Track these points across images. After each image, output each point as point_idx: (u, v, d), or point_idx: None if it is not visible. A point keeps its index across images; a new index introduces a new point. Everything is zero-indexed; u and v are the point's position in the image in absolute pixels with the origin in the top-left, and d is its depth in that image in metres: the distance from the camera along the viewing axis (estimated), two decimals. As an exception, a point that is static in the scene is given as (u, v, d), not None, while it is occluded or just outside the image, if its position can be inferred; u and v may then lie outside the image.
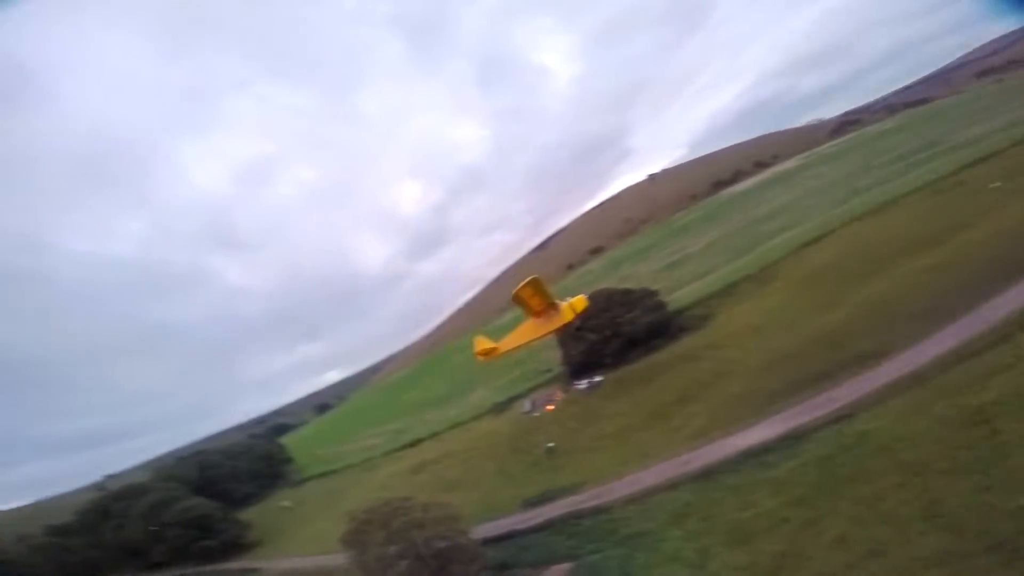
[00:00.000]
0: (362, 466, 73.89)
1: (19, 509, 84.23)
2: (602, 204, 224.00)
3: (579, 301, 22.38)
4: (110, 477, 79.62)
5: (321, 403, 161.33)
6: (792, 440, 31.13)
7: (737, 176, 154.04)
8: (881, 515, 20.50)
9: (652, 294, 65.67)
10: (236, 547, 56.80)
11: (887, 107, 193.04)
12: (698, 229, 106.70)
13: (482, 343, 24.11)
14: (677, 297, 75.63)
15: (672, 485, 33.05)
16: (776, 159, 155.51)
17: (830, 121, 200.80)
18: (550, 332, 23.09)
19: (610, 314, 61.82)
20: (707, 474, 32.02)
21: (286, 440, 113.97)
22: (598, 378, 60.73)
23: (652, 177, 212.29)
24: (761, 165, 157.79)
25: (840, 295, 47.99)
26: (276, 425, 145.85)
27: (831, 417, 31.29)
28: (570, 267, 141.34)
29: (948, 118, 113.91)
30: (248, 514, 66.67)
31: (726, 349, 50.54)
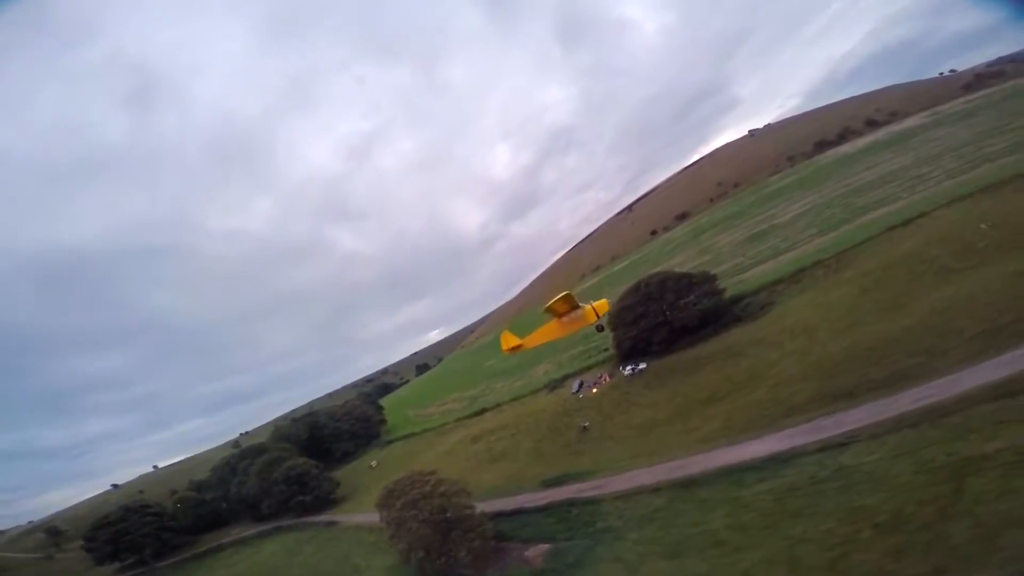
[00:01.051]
0: (437, 430, 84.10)
1: (177, 464, 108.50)
2: (697, 163, 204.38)
3: (601, 305, 25.64)
4: (244, 434, 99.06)
5: (422, 363, 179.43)
6: (777, 462, 30.89)
7: (844, 135, 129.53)
8: (791, 559, 20.98)
9: (710, 279, 62.84)
10: (326, 502, 67.75)
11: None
12: (790, 196, 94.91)
13: (508, 339, 27.74)
14: (746, 278, 71.29)
15: (656, 488, 34.97)
16: (894, 117, 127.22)
17: (966, 72, 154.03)
18: (572, 332, 26.16)
19: (663, 301, 61.17)
20: (687, 484, 33.35)
21: (388, 399, 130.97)
22: (643, 365, 61.59)
23: (752, 133, 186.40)
24: (874, 124, 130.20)
25: (907, 297, 42.62)
26: (382, 384, 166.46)
27: (825, 443, 30.25)
28: (654, 233, 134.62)
29: None
30: (343, 471, 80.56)
31: (770, 348, 48.20)
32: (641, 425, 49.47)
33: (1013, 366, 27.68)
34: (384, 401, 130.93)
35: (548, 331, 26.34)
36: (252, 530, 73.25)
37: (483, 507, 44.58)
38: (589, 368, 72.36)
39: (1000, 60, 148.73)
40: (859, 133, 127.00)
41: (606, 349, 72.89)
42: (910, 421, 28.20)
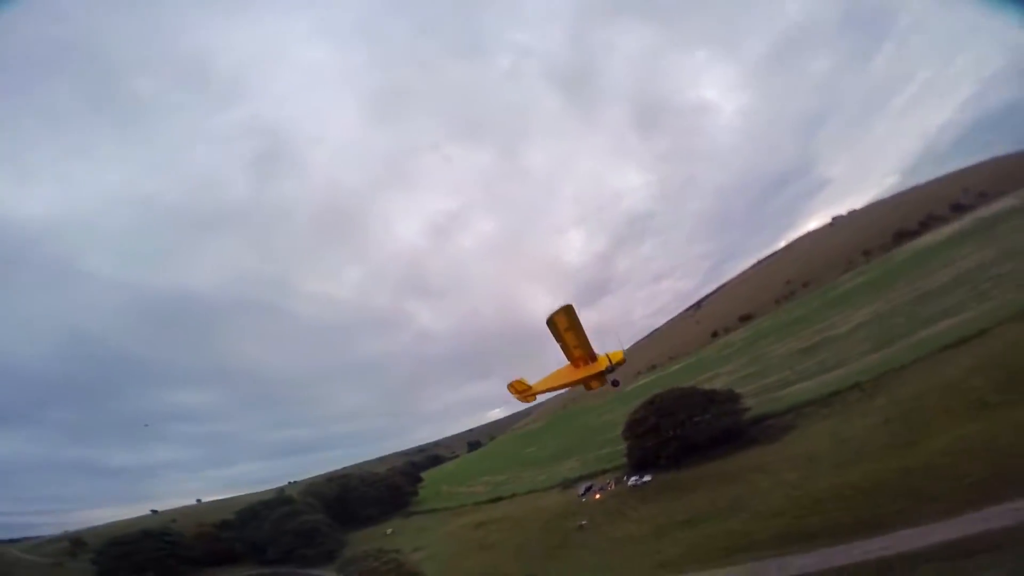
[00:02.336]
0: (454, 511, 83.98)
1: (221, 501, 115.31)
2: (773, 256, 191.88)
3: (616, 354, 24.05)
4: (292, 483, 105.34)
5: (474, 440, 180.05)
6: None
7: (927, 223, 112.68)
8: None
9: (733, 398, 60.33)
10: (330, 558, 69.18)
11: None
12: (856, 301, 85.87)
13: (519, 384, 25.82)
14: (783, 395, 65.92)
15: None
16: (984, 199, 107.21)
17: None
18: (584, 379, 24.19)
19: (678, 416, 59.45)
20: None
21: (432, 472, 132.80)
22: (647, 477, 58.98)
23: (834, 221, 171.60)
24: (959, 208, 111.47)
25: (926, 433, 37.16)
26: (433, 455, 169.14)
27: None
28: (714, 335, 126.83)
29: None
30: (362, 533, 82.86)
31: (766, 476, 44.07)
32: (619, 539, 46.72)
33: (995, 521, 24.12)
34: (429, 473, 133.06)
35: (558, 376, 24.63)
36: (253, 571, 77.02)
37: None
38: (605, 472, 69.61)
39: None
40: (944, 220, 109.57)
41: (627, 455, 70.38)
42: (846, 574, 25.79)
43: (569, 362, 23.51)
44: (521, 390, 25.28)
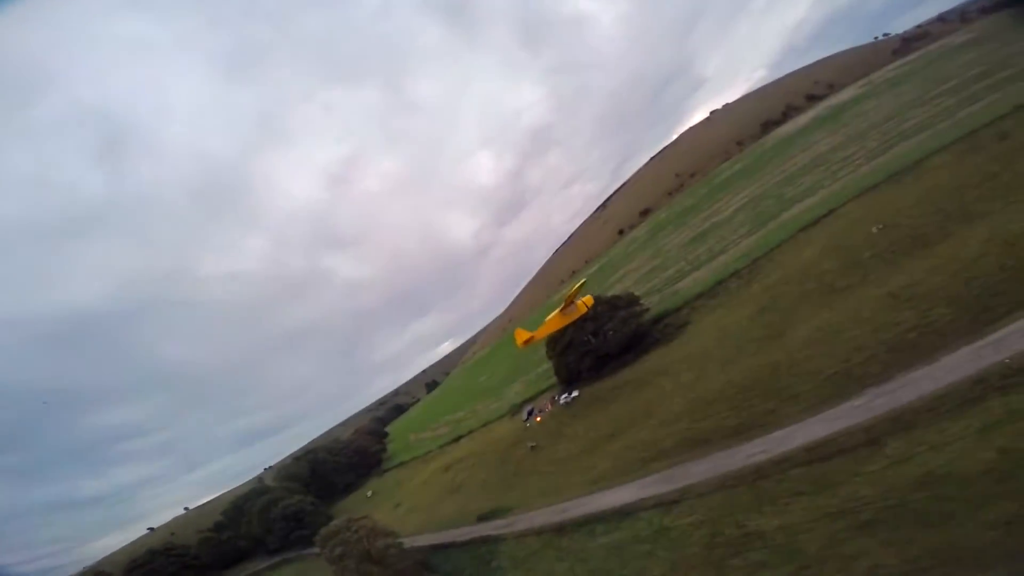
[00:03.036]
0: (424, 458, 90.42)
1: (207, 504, 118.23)
2: (662, 152, 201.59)
3: (589, 299, 35.56)
4: (268, 469, 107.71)
5: (431, 380, 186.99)
6: (621, 515, 34.69)
7: (787, 113, 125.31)
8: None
9: (634, 302, 65.78)
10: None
11: (961, 14, 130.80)
12: (735, 186, 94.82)
13: (521, 334, 34.95)
14: (681, 288, 73.58)
15: (540, 531, 39.33)
16: (831, 89, 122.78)
17: (896, 37, 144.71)
18: (570, 323, 36.52)
19: (586, 328, 64.55)
20: (559, 529, 37.70)
21: (397, 423, 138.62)
22: (575, 393, 64.62)
23: (711, 115, 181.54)
24: (813, 98, 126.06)
25: (789, 323, 43.88)
26: (395, 406, 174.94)
27: (660, 500, 33.43)
28: (621, 232, 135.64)
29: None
30: (345, 502, 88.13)
31: (668, 378, 50.69)
32: (560, 459, 53.21)
33: (839, 422, 28.78)
34: (395, 424, 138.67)
35: (552, 323, 34.25)
36: (264, 563, 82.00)
37: (431, 539, 51.87)
38: (544, 392, 76.49)
39: (929, 21, 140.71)
40: (801, 109, 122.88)
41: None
42: (732, 481, 30.64)
43: (559, 312, 33.89)
44: (525, 340, 34.21)
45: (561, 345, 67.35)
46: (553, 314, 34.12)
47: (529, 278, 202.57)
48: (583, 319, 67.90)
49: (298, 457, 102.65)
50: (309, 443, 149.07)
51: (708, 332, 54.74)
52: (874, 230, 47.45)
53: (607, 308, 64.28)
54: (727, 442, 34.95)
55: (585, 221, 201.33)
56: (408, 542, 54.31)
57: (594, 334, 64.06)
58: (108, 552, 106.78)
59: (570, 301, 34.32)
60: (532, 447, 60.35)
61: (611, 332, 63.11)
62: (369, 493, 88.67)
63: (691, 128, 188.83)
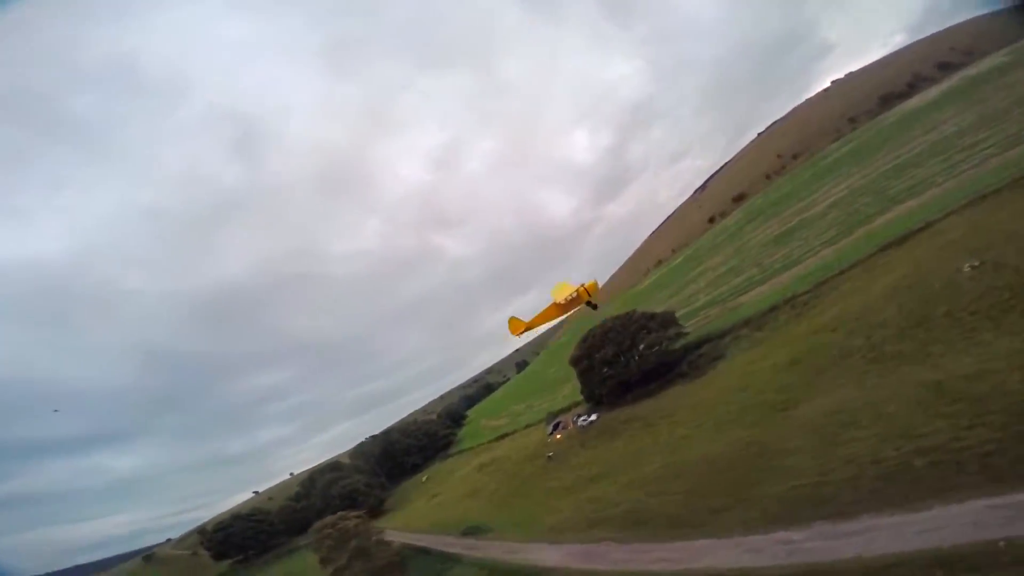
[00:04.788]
0: (475, 450, 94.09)
1: (307, 471, 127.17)
2: (769, 128, 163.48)
3: (592, 286, 28.25)
4: (371, 437, 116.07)
5: (521, 360, 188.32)
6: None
7: (914, 84, 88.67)
8: None
9: (669, 323, 58.43)
10: (376, 513, 79.65)
11: None
12: (838, 173, 74.60)
13: (515, 325, 29.01)
14: (744, 302, 63.20)
15: (484, 565, 40.35)
16: (970, 57, 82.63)
17: None
18: (569, 312, 29.13)
19: (607, 351, 59.28)
20: (491, 571, 38.16)
21: (484, 403, 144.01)
22: (593, 417, 60.90)
23: (831, 86, 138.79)
24: (947, 67, 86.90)
25: (809, 390, 34.03)
26: (485, 384, 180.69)
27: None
28: (711, 220, 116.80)
29: None
30: (407, 484, 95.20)
31: (667, 428, 44.81)
32: (551, 489, 51.00)
33: (758, 557, 22.73)
34: (477, 407, 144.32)
35: (548, 313, 28.67)
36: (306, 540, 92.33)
37: (424, 540, 55.41)
38: (579, 404, 73.04)
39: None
40: (932, 81, 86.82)
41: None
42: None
43: (558, 303, 28.01)
44: (520, 330, 28.69)
45: (583, 365, 63.42)
46: (549, 306, 28.76)
47: (627, 257, 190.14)
48: (609, 335, 63.59)
49: (374, 436, 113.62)
50: (408, 416, 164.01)
51: (731, 376, 46.33)
52: (966, 268, 34.06)
53: (639, 327, 58.53)
54: (654, 533, 30.52)
55: (683, 203, 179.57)
56: (410, 539, 58.79)
57: (617, 356, 58.86)
58: (224, 509, 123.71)
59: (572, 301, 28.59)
60: (550, 456, 58.86)
61: (636, 357, 57.44)
62: (424, 478, 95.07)
63: (804, 102, 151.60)
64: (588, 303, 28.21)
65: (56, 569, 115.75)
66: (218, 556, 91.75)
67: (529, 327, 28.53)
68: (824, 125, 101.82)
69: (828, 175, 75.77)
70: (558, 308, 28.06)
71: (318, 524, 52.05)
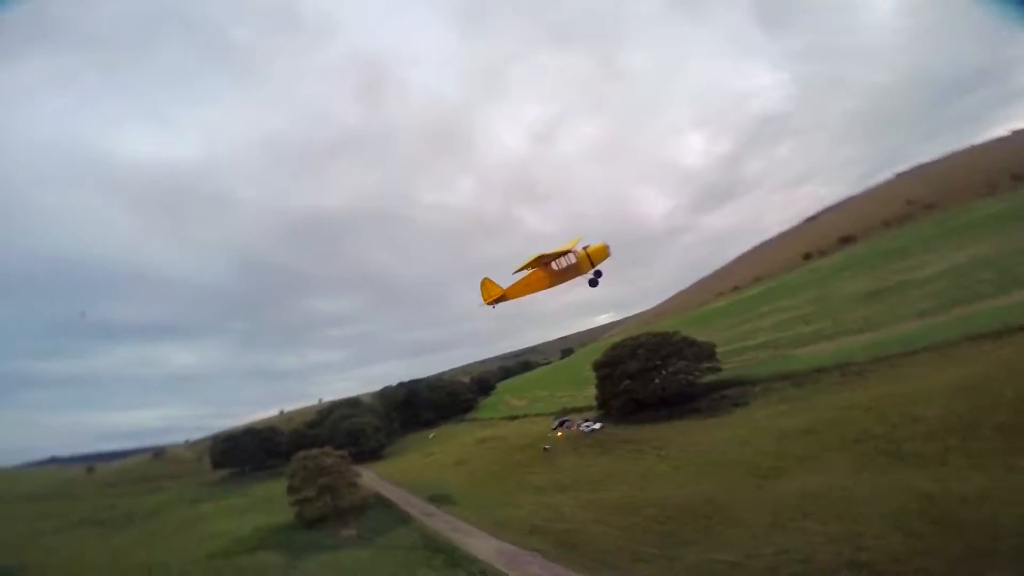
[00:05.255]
0: (485, 422, 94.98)
1: (340, 400, 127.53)
2: (912, 170, 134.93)
3: (598, 251, 20.57)
4: (401, 384, 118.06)
5: (567, 347, 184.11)
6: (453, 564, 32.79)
7: None
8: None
9: (705, 355, 54.19)
10: (373, 455, 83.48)
11: None
12: (968, 236, 60.96)
13: (489, 288, 22.52)
14: (797, 354, 56.66)
15: (426, 534, 40.80)
16: None
17: None
18: (564, 281, 21.33)
19: (628, 366, 56.71)
20: (430, 540, 38.54)
21: (517, 379, 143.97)
22: (596, 426, 58.79)
23: (1010, 135, 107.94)
24: None
25: (802, 468, 30.18)
26: (524, 361, 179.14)
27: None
28: (807, 257, 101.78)
29: None
30: (415, 436, 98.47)
31: (651, 461, 42.09)
32: (523, 483, 50.31)
33: None
34: (511, 381, 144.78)
35: (534, 280, 21.60)
36: None
37: (396, 494, 57.51)
38: (591, 408, 70.61)
39: None
40: None
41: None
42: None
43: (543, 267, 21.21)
44: (494, 296, 22.31)
45: (603, 373, 61.55)
46: (536, 271, 21.06)
47: (707, 274, 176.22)
48: (639, 351, 59.98)
49: (401, 383, 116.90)
50: (447, 370, 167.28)
51: (741, 427, 41.77)
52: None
53: (674, 350, 55.24)
54: (579, 561, 28.98)
55: (786, 231, 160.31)
56: (383, 488, 61.37)
57: (641, 373, 55.96)
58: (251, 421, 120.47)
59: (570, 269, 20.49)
60: (546, 449, 58.30)
61: (657, 380, 54.34)
62: (431, 435, 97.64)
63: (964, 148, 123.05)
64: (593, 278, 20.65)
65: (77, 453, 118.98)
66: (216, 464, 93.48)
67: (506, 296, 21.88)
68: (977, 178, 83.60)
69: (954, 236, 63.02)
70: (547, 276, 20.76)
71: (300, 454, 55.03)
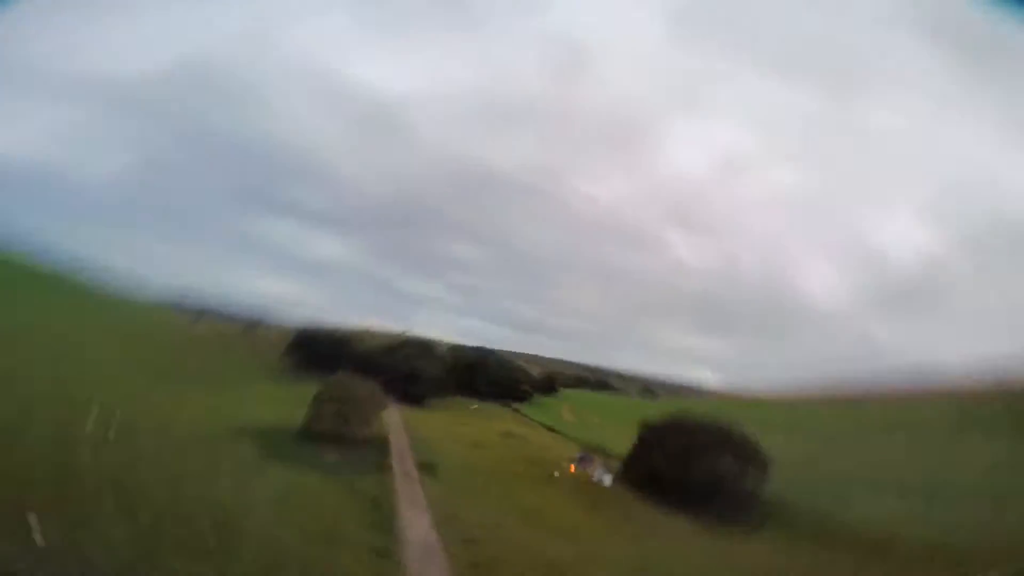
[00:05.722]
0: (525, 419, 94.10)
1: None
2: None
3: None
4: (490, 351, 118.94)
5: (648, 388, 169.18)
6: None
7: None
8: None
9: (750, 459, 47.04)
10: (418, 401, 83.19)
11: None
12: None
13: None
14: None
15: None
16: None
17: None
18: None
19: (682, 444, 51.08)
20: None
21: (577, 392, 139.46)
22: (607, 478, 55.39)
23: None
24: None
25: None
26: (602, 381, 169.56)
27: None
28: None
29: None
30: (461, 398, 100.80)
31: (623, 538, 37.39)
32: (503, 495, 48.41)
33: None
34: (575, 392, 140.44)
35: None
36: None
37: (398, 447, 59.88)
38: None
39: None
40: None
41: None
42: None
43: None
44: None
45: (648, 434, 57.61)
46: None
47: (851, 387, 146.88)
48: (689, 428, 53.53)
49: (478, 348, 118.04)
50: (532, 354, 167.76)
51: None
52: None
53: (731, 449, 48.78)
54: None
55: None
56: (393, 439, 63.67)
57: (679, 455, 50.97)
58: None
59: None
60: (556, 475, 56.77)
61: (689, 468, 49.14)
62: (474, 406, 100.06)
63: None
64: None
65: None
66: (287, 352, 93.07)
67: None
68: None
69: None
70: None
71: (339, 375, 58.80)
